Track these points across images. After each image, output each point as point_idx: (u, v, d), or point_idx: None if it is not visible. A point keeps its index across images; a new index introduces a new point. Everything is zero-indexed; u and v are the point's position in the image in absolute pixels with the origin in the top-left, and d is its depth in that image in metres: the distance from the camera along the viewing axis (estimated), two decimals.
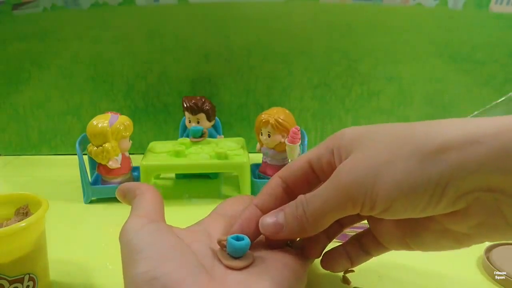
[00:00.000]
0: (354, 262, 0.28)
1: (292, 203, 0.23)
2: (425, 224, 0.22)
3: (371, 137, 0.21)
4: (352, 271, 0.31)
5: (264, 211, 0.25)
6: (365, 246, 0.27)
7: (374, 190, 0.19)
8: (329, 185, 0.21)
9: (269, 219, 0.23)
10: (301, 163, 0.25)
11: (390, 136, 0.20)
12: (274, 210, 0.24)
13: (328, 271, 0.33)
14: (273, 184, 0.25)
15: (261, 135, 0.47)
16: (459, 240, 0.22)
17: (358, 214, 0.21)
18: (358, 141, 0.21)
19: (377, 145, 0.20)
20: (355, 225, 0.39)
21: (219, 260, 0.23)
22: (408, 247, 0.25)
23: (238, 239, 0.23)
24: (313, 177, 0.25)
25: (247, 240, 0.23)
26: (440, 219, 0.21)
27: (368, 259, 0.27)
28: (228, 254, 0.23)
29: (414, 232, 0.24)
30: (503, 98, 0.51)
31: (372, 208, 0.20)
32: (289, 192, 0.25)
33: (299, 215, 0.22)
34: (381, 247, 0.26)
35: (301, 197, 0.23)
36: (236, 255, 0.23)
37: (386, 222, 0.25)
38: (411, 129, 0.19)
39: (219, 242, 0.23)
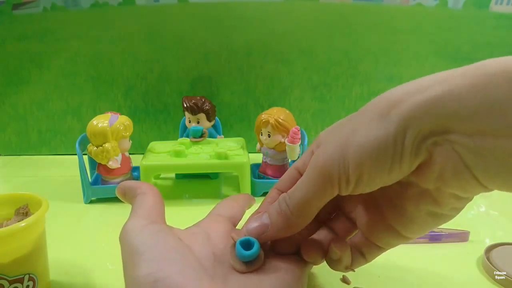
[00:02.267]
0: (353, 265, 0.27)
1: (275, 202, 0.24)
2: (400, 194, 0.22)
3: (338, 126, 0.22)
4: (353, 270, 0.31)
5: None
6: (358, 246, 0.26)
7: (345, 162, 0.20)
8: (306, 175, 0.22)
9: (253, 221, 0.24)
10: (290, 172, 0.26)
11: (353, 115, 0.21)
12: (259, 213, 0.24)
13: (328, 271, 0.33)
14: (271, 196, 0.26)
15: (261, 135, 0.47)
16: (438, 201, 0.21)
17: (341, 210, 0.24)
18: (328, 133, 0.23)
19: (343, 126, 0.21)
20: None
21: (230, 257, 0.23)
22: (396, 234, 0.24)
23: (248, 243, 0.23)
24: None
25: (256, 248, 0.23)
26: (411, 181, 0.21)
27: (364, 262, 0.26)
28: (240, 261, 0.23)
29: (394, 209, 0.23)
30: None
31: (348, 182, 0.20)
32: None
33: (283, 211, 0.22)
34: (372, 246, 0.25)
35: (282, 194, 0.23)
36: (244, 261, 0.23)
37: (366, 210, 0.25)
38: (372, 101, 0.20)
39: (233, 237, 0.24)
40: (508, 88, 0.17)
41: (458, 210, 0.22)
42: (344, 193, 0.21)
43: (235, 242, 0.23)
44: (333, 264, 0.25)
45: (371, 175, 0.20)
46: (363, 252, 0.26)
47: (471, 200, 0.21)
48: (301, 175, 0.24)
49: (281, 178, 0.27)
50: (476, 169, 0.18)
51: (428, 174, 0.19)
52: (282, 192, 0.24)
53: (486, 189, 0.19)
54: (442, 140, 0.18)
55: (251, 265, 0.23)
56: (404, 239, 0.24)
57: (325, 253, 0.25)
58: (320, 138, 0.24)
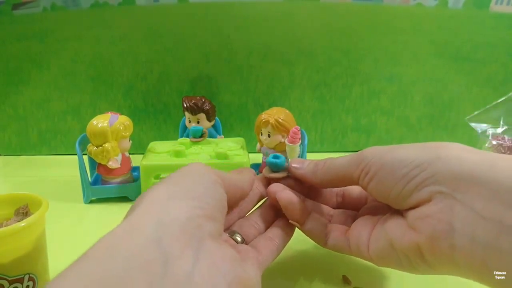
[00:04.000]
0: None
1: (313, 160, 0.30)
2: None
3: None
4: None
5: None
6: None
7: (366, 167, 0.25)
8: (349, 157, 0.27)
9: (296, 160, 0.31)
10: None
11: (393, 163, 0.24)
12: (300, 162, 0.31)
13: (327, 271, 0.33)
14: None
15: (261, 135, 0.47)
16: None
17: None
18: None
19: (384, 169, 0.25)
20: None
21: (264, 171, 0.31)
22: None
23: (276, 157, 0.31)
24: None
25: (283, 158, 0.31)
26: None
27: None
28: (270, 169, 0.31)
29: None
30: (503, 98, 0.51)
31: (366, 177, 0.25)
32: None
33: (318, 163, 0.29)
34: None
35: (323, 160, 0.29)
36: (275, 169, 0.31)
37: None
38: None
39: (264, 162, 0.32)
40: None
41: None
42: (361, 184, 0.26)
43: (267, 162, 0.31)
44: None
45: (380, 183, 0.25)
46: None
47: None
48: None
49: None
50: (460, 236, 0.20)
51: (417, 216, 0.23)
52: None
53: (445, 266, 0.23)
54: (447, 195, 0.21)
55: (278, 173, 0.31)
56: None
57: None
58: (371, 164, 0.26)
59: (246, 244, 0.27)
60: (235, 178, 0.27)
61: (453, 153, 0.22)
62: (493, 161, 0.21)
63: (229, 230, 0.28)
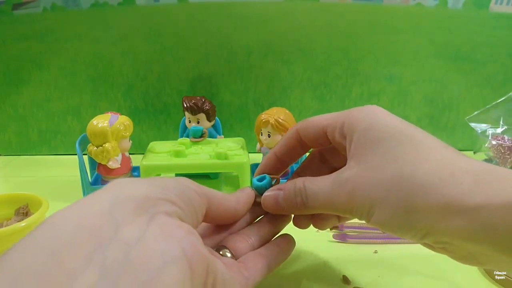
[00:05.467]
0: (341, 219, 0.29)
1: (291, 188, 0.25)
2: None
3: (382, 151, 0.22)
4: (337, 227, 0.32)
5: (280, 158, 0.29)
6: None
7: (369, 215, 0.22)
8: (335, 188, 0.23)
9: (270, 192, 0.27)
10: (316, 128, 0.26)
11: (394, 170, 0.21)
12: (275, 191, 0.27)
13: (327, 271, 0.33)
14: (290, 135, 0.28)
15: (261, 135, 0.47)
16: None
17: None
18: (369, 144, 0.22)
19: (380, 174, 0.21)
20: (366, 225, 0.39)
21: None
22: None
23: (260, 179, 0.28)
24: (325, 140, 0.26)
25: (267, 179, 0.28)
26: None
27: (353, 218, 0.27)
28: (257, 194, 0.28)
29: None
30: (503, 98, 0.51)
31: (367, 222, 0.23)
32: (303, 144, 0.28)
33: (300, 204, 0.25)
34: None
35: (300, 183, 0.25)
36: (260, 192, 0.27)
37: None
38: (412, 176, 0.20)
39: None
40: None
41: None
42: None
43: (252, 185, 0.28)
44: (320, 227, 0.29)
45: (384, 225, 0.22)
46: None
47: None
48: (326, 135, 0.26)
49: (307, 123, 0.27)
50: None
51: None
52: (300, 136, 0.28)
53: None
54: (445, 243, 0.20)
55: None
56: None
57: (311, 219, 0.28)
58: (359, 131, 0.23)
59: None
60: (221, 196, 0.25)
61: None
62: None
63: (218, 245, 0.26)
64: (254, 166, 0.51)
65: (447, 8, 0.58)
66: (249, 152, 0.48)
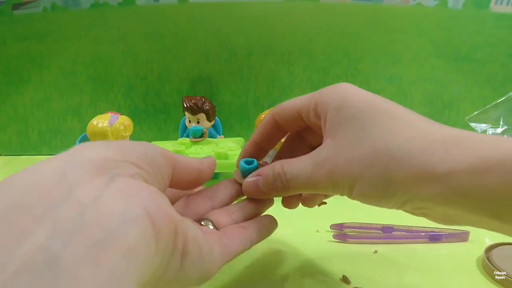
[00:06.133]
0: (327, 196, 0.29)
1: (270, 172, 0.25)
2: None
3: (356, 127, 0.22)
4: (325, 203, 0.32)
5: (260, 144, 0.30)
6: None
7: (350, 190, 0.22)
8: (315, 170, 0.23)
9: (251, 185, 0.27)
10: (291, 111, 0.27)
11: (370, 146, 0.21)
12: (255, 177, 0.27)
13: (327, 271, 0.33)
14: (266, 121, 0.29)
15: None
16: None
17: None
18: (342, 122, 0.23)
19: (356, 151, 0.22)
20: (366, 225, 0.39)
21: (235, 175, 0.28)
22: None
23: (248, 163, 0.28)
24: (301, 122, 0.27)
25: (255, 164, 0.27)
26: None
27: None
28: (242, 175, 0.28)
29: None
30: (503, 98, 0.51)
31: (349, 197, 0.23)
32: (280, 129, 0.29)
33: (280, 188, 0.25)
34: None
35: (279, 168, 0.25)
36: (245, 175, 0.27)
37: None
38: (387, 150, 0.21)
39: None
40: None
41: None
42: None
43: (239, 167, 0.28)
44: (309, 205, 0.29)
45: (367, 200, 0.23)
46: None
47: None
48: (301, 117, 0.26)
49: (282, 107, 0.28)
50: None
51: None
52: (276, 120, 0.28)
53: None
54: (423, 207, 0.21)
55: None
56: None
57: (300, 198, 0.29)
58: (332, 107, 0.24)
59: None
60: (184, 158, 0.24)
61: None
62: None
63: (201, 218, 0.26)
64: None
65: (447, 8, 0.58)
66: None
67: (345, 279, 0.31)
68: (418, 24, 0.59)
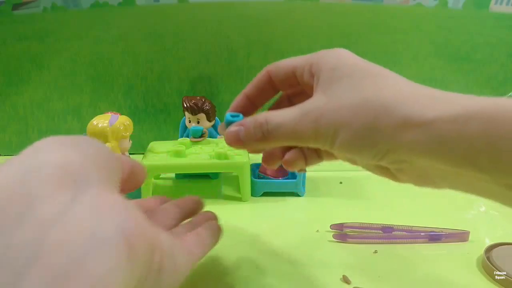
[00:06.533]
0: (308, 163, 0.29)
1: (251, 122, 0.25)
2: None
3: (348, 83, 0.23)
4: (305, 171, 0.31)
5: (251, 98, 0.29)
6: (317, 150, 0.28)
7: (333, 139, 0.22)
8: (296, 117, 0.23)
9: (234, 127, 0.26)
10: (286, 69, 0.27)
11: (360, 97, 0.22)
12: (237, 126, 0.26)
13: (327, 271, 0.33)
14: (260, 76, 0.29)
15: None
16: None
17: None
18: (335, 79, 0.24)
19: (346, 101, 0.22)
20: (366, 225, 0.39)
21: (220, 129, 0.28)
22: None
23: (234, 116, 0.27)
24: (294, 81, 0.27)
25: (241, 116, 0.27)
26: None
27: (320, 161, 0.28)
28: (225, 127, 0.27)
29: None
30: None
31: (330, 148, 0.23)
32: (273, 86, 0.29)
33: (259, 138, 0.25)
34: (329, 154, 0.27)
35: (262, 120, 0.25)
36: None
37: None
38: (376, 99, 0.22)
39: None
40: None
41: None
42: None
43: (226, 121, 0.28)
44: (289, 167, 0.28)
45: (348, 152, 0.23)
46: (321, 155, 0.28)
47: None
48: (295, 76, 0.27)
49: (278, 64, 0.28)
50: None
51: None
52: (270, 76, 0.28)
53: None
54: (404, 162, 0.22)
55: None
56: None
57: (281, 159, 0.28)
58: (325, 69, 0.24)
59: None
60: (128, 159, 0.23)
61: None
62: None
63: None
64: (254, 166, 0.51)
65: (447, 8, 0.58)
66: (249, 152, 0.48)
67: (345, 279, 0.31)
68: (418, 24, 0.59)
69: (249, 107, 0.30)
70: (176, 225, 0.28)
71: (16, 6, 0.58)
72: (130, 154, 0.49)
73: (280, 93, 0.30)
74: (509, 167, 0.17)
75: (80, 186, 0.15)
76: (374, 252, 0.36)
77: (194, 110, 0.52)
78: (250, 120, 0.25)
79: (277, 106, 0.31)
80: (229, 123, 0.27)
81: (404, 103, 0.20)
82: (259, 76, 0.29)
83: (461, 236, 0.38)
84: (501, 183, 0.18)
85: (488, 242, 0.36)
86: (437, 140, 0.19)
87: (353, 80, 0.23)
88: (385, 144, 0.21)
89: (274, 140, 0.24)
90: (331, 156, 0.27)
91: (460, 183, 0.21)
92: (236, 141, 0.26)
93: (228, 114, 0.28)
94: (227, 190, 0.50)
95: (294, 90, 0.29)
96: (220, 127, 0.29)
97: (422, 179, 0.22)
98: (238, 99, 0.30)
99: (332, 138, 0.22)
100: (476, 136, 0.18)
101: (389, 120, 0.20)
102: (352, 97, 0.22)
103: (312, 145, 0.24)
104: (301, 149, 0.27)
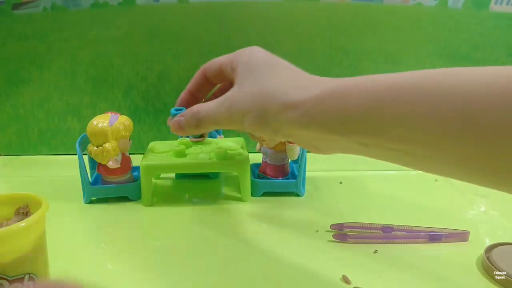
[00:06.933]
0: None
1: (189, 113, 0.32)
2: None
3: (256, 75, 0.28)
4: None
5: (193, 93, 0.37)
6: None
7: (242, 123, 0.28)
8: (219, 108, 0.30)
9: (176, 123, 0.34)
10: (215, 66, 0.34)
11: (259, 87, 0.27)
12: (179, 117, 0.33)
13: (327, 271, 0.33)
14: (198, 74, 0.36)
15: None
16: None
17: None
18: (248, 73, 0.29)
19: (250, 91, 0.28)
20: (366, 225, 0.39)
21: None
22: None
23: (178, 110, 0.34)
24: (223, 76, 0.33)
25: (183, 109, 0.33)
26: None
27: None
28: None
29: None
30: None
31: (242, 129, 0.29)
32: (209, 81, 0.35)
33: (194, 125, 0.32)
34: None
35: (194, 111, 0.31)
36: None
37: None
38: (268, 89, 0.27)
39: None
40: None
41: None
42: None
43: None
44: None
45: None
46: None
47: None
48: (223, 72, 0.32)
49: (210, 63, 0.35)
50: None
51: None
52: (206, 73, 0.35)
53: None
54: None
55: None
56: None
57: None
58: (241, 63, 0.29)
59: None
60: None
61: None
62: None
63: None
64: (254, 166, 0.51)
65: (447, 8, 0.58)
66: (249, 152, 0.48)
67: (345, 279, 0.31)
68: (418, 24, 0.59)
69: (192, 101, 0.37)
70: None
71: (16, 6, 0.58)
72: (130, 154, 0.49)
73: (218, 85, 0.37)
74: (356, 130, 0.23)
75: None
76: (374, 252, 0.36)
77: None
78: (187, 112, 0.32)
79: (214, 97, 0.37)
80: (173, 116, 0.34)
81: (285, 91, 0.26)
82: (197, 74, 0.36)
83: (461, 236, 0.38)
84: (355, 141, 0.23)
85: (488, 242, 0.36)
86: (306, 116, 0.24)
87: (259, 73, 0.28)
88: (275, 123, 0.26)
89: (205, 126, 0.31)
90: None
91: (336, 147, 0.26)
92: (178, 128, 0.33)
93: (172, 109, 0.35)
94: (227, 190, 0.50)
95: (225, 83, 0.36)
96: (169, 120, 0.35)
97: (313, 147, 0.28)
98: (182, 95, 0.37)
99: (241, 122, 0.28)
100: (331, 110, 0.23)
101: (275, 105, 0.26)
102: (254, 87, 0.27)
103: (229, 127, 0.30)
104: None
